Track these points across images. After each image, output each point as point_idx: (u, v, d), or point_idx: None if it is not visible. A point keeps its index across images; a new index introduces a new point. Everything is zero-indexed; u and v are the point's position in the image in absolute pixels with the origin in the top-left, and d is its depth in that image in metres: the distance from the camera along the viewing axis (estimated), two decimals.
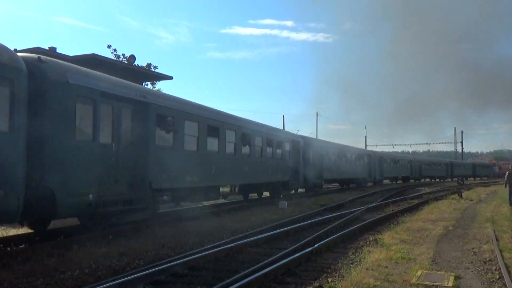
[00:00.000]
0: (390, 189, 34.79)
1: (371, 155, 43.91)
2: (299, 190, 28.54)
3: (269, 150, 21.54)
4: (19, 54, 8.91)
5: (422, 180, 61.86)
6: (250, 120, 20.37)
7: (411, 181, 56.86)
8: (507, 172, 20.98)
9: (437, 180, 66.15)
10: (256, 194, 23.48)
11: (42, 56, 9.32)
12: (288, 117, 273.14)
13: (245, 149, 18.87)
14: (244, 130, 18.57)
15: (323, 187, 33.51)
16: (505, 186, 20.71)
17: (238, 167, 17.93)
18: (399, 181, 54.44)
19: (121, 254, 8.68)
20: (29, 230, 11.51)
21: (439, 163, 69.85)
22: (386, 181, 50.95)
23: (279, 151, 22.98)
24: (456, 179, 68.06)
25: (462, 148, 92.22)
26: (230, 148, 17.26)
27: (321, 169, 29.68)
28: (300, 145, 26.37)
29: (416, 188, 39.28)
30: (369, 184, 42.00)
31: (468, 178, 74.02)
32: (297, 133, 33.07)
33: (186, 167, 13.75)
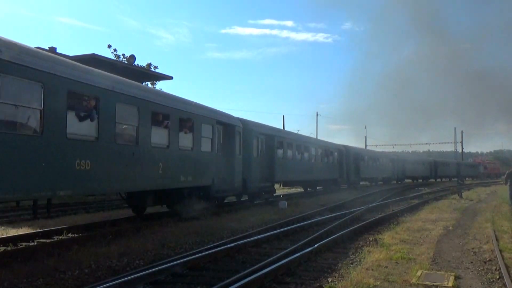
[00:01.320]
0: (390, 189, 34.77)
1: (343, 150, 34.85)
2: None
3: (157, 132, 12.44)
4: None
5: (405, 181, 54.94)
6: (93, 70, 10.51)
7: (393, 182, 48.98)
8: (507, 172, 21.48)
9: (420, 180, 59.18)
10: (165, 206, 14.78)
11: None
12: (289, 117, 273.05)
13: (88, 126, 9.90)
14: (76, 87, 9.47)
15: (278, 192, 26.49)
16: (505, 183, 21.33)
17: (56, 161, 8.82)
18: (379, 183, 44.95)
19: (121, 254, 8.68)
20: (29, 230, 11.52)
21: (422, 162, 61.65)
22: (363, 183, 42.65)
23: (186, 136, 13.97)
24: (439, 180, 63.32)
25: (462, 148, 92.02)
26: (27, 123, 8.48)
27: (271, 168, 21.53)
28: (237, 131, 17.73)
29: (416, 188, 39.25)
30: (343, 186, 34.66)
31: (452, 179, 67.49)
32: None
33: None
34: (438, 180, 65.36)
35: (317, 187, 31.34)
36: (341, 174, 33.74)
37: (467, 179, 71.97)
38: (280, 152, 22.92)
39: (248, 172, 18.75)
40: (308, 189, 31.13)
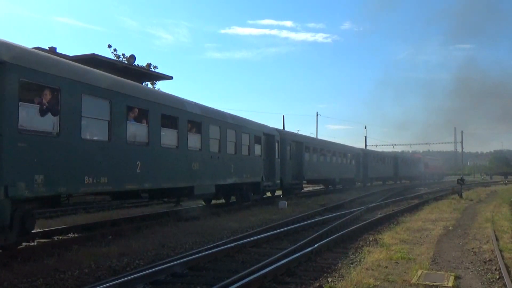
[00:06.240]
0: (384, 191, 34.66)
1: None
2: None
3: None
4: None
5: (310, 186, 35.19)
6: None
7: (279, 195, 24.91)
8: None
9: (338, 186, 34.34)
10: None
11: None
12: (289, 117, 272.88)
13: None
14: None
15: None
16: None
17: None
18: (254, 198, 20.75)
19: (121, 254, 8.68)
20: None
21: (343, 153, 35.58)
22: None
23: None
24: (369, 183, 41.57)
25: (462, 148, 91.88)
26: None
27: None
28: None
29: (416, 188, 39.18)
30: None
31: (388, 182, 48.99)
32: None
33: None
34: (369, 184, 42.13)
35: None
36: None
37: (403, 181, 53.66)
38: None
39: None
40: None
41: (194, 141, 14.56)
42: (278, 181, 22.42)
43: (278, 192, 25.51)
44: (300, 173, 26.28)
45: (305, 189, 32.69)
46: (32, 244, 10.02)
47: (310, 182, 33.19)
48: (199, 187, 14.58)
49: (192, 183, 14.15)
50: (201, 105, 15.84)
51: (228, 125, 17.13)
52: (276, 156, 22.12)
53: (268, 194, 24.16)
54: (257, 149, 20.09)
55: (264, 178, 20.48)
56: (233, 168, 17.21)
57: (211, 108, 16.61)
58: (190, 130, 14.32)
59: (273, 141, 22.01)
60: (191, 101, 15.05)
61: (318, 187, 36.11)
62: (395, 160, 51.43)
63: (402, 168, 52.45)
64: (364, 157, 40.08)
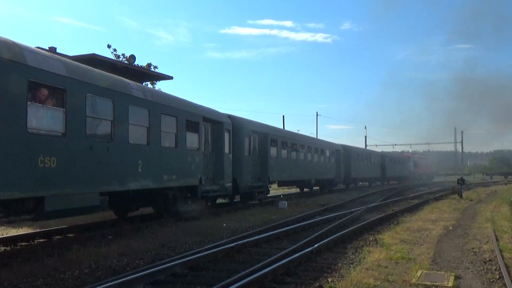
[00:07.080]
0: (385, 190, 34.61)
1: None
2: None
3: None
4: None
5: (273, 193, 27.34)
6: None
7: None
8: None
9: (316, 188, 31.35)
10: None
11: None
12: (289, 117, 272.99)
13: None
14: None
15: None
16: None
17: None
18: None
19: (121, 254, 8.68)
20: (29, 230, 11.55)
21: (321, 149, 30.81)
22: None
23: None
24: (352, 185, 37.18)
25: (462, 148, 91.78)
26: None
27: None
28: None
29: (416, 188, 39.17)
30: None
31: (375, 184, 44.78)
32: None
33: None
34: (352, 185, 37.64)
35: None
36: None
37: (391, 182, 49.63)
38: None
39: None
40: None
41: (47, 119, 8.93)
42: (229, 184, 17.30)
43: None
44: (264, 173, 21.08)
45: (273, 193, 27.28)
46: (32, 244, 10.03)
47: (279, 184, 27.78)
48: (58, 198, 8.94)
49: (39, 192, 8.49)
50: (70, 61, 10.11)
51: (133, 100, 11.44)
52: (226, 151, 17.17)
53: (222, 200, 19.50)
54: (192, 140, 14.59)
55: (203, 180, 15.08)
56: (142, 166, 11.64)
57: (96, 70, 10.90)
58: (36, 100, 8.56)
59: (221, 130, 16.79)
60: (42, 52, 9.46)
61: (293, 191, 31.66)
62: (383, 159, 46.65)
63: (390, 168, 48.13)
64: (345, 154, 35.30)
